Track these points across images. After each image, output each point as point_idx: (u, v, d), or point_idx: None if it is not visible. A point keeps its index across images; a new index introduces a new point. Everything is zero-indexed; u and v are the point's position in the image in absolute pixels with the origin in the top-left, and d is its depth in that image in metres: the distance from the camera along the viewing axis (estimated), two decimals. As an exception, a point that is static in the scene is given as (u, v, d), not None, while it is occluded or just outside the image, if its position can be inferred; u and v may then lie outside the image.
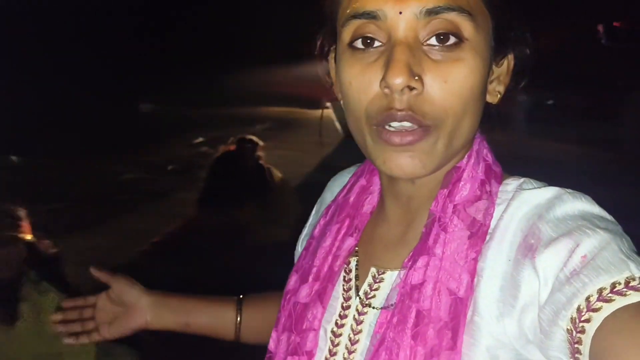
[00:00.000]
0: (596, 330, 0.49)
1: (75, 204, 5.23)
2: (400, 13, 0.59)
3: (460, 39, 0.59)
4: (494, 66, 0.66)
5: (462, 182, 0.65)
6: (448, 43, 0.59)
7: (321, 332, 0.72)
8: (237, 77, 11.25)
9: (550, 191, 0.62)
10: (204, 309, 0.98)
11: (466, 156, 0.67)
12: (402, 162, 0.62)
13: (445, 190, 0.66)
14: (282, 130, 8.91)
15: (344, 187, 0.82)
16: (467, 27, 0.59)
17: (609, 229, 0.56)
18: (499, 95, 0.68)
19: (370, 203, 0.77)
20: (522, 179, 0.66)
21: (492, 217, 0.63)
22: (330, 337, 0.71)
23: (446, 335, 0.59)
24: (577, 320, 0.50)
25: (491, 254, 0.61)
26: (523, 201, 0.62)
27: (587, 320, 0.49)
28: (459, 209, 0.64)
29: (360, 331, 0.69)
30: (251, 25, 12.70)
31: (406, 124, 0.60)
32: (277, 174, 4.88)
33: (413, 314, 0.60)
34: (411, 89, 0.58)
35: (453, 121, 0.61)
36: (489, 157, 0.69)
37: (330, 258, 0.74)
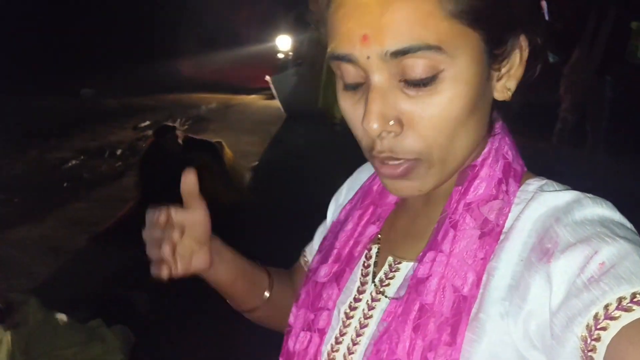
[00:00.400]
0: (612, 339, 0.48)
1: (19, 194, 5.15)
2: (368, 58, 0.57)
3: (434, 74, 0.57)
4: (497, 67, 0.62)
5: (478, 181, 0.65)
6: (420, 83, 0.57)
7: (335, 312, 0.74)
8: (177, 64, 11.36)
9: (570, 194, 0.61)
10: (249, 269, 0.89)
11: (482, 154, 0.66)
12: (399, 187, 0.64)
13: (460, 187, 0.65)
14: (225, 113, 8.88)
15: (372, 174, 0.83)
16: (438, 60, 0.56)
17: (628, 238, 0.54)
18: (509, 92, 0.64)
19: None
20: (545, 181, 0.65)
21: (506, 217, 0.63)
22: (343, 318, 0.73)
23: (446, 330, 0.59)
24: (594, 328, 0.49)
25: (504, 254, 0.61)
26: (541, 202, 0.62)
27: (604, 329, 0.48)
28: (472, 207, 0.63)
29: (370, 316, 0.70)
30: (192, 12, 12.61)
31: (391, 162, 0.61)
32: (227, 150, 4.97)
33: (416, 307, 0.61)
34: (389, 132, 0.59)
35: (440, 150, 0.60)
36: (510, 155, 0.67)
37: (351, 242, 0.76)
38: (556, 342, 0.53)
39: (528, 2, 0.62)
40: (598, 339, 0.48)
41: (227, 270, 0.85)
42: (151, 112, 8.39)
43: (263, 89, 9.49)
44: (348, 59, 0.59)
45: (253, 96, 10.04)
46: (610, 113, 4.77)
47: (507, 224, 0.62)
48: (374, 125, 0.58)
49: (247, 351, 2.96)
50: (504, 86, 0.63)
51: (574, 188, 0.63)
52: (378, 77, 0.58)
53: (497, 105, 0.66)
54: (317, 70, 7.66)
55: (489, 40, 0.59)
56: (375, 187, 0.79)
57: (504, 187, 0.64)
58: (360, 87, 0.61)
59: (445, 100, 0.58)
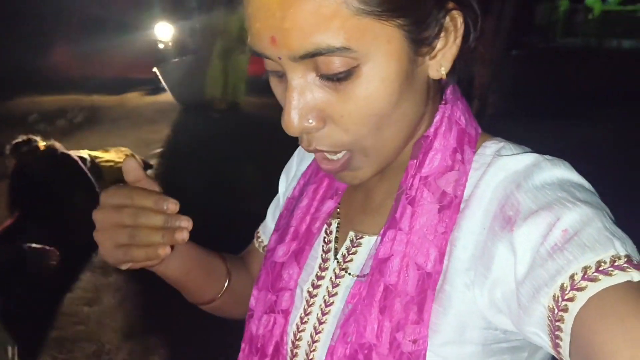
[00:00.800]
0: (580, 310, 0.47)
1: None
2: (280, 58, 0.55)
3: (349, 70, 0.55)
4: (424, 53, 0.59)
5: (432, 152, 0.63)
6: (335, 78, 0.55)
7: (297, 291, 0.72)
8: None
9: (529, 157, 0.60)
10: (203, 257, 0.81)
11: (433, 123, 0.64)
12: (343, 177, 0.64)
13: (415, 161, 0.64)
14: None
15: None
16: (350, 57, 0.54)
17: (589, 201, 0.54)
18: (443, 71, 0.61)
19: None
20: (502, 143, 0.64)
21: (464, 187, 0.61)
22: (306, 297, 0.71)
23: (412, 309, 0.58)
24: (560, 299, 0.49)
25: (465, 223, 0.60)
26: (500, 167, 0.61)
27: (571, 299, 0.48)
28: (429, 181, 0.62)
29: (335, 294, 0.69)
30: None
31: (328, 156, 0.61)
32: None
33: (381, 288, 0.60)
34: (310, 129, 0.58)
35: (369, 141, 0.59)
36: (462, 121, 0.65)
37: (308, 218, 0.74)
38: (523, 312, 0.52)
39: None
40: (565, 310, 0.48)
41: (180, 260, 0.77)
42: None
43: (142, 84, 8.76)
44: (265, 56, 0.58)
45: (134, 93, 9.01)
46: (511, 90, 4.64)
47: (467, 192, 0.62)
48: (293, 126, 0.57)
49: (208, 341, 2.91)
50: (438, 64, 0.60)
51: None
52: (292, 76, 0.57)
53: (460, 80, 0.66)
54: (203, 60, 7.55)
55: (412, 25, 0.56)
56: None
57: (459, 157, 0.63)
58: (284, 79, 0.59)
59: (362, 96, 0.56)
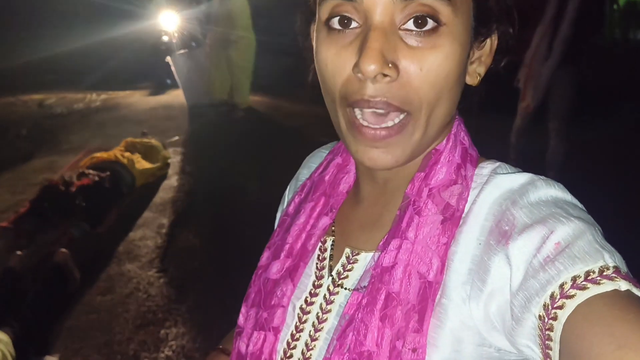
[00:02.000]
0: (568, 317, 0.48)
1: None
2: None
3: (438, 24, 0.58)
4: (474, 48, 0.64)
5: (439, 166, 0.65)
6: (425, 28, 0.58)
7: (289, 308, 0.72)
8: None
9: (524, 177, 0.62)
10: None
11: (445, 139, 0.67)
12: (374, 156, 0.62)
13: (422, 173, 0.65)
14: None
15: (321, 164, 0.81)
16: (444, 11, 0.57)
17: (582, 217, 0.56)
18: (479, 77, 0.65)
19: (346, 182, 0.76)
20: (498, 163, 0.66)
21: (466, 201, 0.63)
22: (298, 314, 0.71)
23: (413, 317, 0.59)
24: (550, 307, 0.50)
25: (462, 238, 0.62)
26: (496, 185, 0.63)
27: (560, 307, 0.49)
28: (433, 193, 0.64)
29: (329, 310, 0.69)
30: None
31: (379, 110, 0.60)
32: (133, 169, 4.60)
33: (383, 296, 0.61)
34: (384, 75, 0.58)
35: (427, 108, 0.60)
36: (466, 141, 0.68)
37: (304, 236, 0.74)
38: (515, 323, 0.53)
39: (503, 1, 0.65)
40: (555, 318, 0.49)
41: None
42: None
43: (143, 82, 8.22)
44: None
45: (128, 92, 8.29)
46: (573, 109, 4.06)
47: (465, 209, 0.63)
48: (372, 66, 0.56)
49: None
50: (475, 70, 0.65)
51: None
52: (382, 18, 0.58)
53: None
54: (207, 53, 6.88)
55: (477, 16, 0.61)
56: (326, 178, 0.77)
57: (463, 172, 0.65)
58: (352, 31, 0.60)
59: (443, 56, 0.58)
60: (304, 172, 0.87)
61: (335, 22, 0.61)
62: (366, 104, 0.60)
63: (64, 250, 3.32)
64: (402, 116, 0.61)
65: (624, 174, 4.38)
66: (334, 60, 0.61)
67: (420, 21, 0.58)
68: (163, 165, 5.04)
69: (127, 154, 4.77)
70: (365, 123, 0.61)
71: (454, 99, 0.63)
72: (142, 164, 4.76)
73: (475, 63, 0.65)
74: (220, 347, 0.91)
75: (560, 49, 3.82)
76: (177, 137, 6.01)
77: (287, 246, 0.75)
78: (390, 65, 0.57)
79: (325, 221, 0.74)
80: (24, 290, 2.99)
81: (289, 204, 0.82)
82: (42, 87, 7.84)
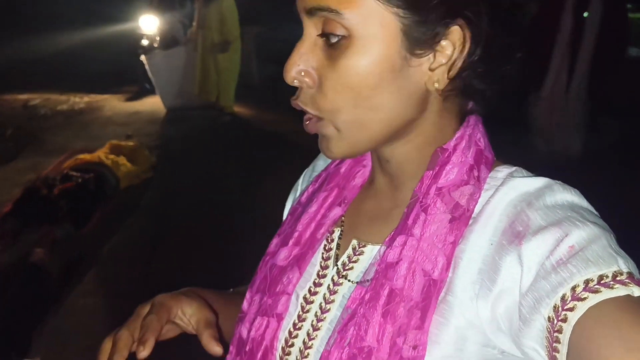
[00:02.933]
0: (579, 320, 0.48)
1: None
2: (299, 11, 0.63)
3: (342, 36, 0.59)
4: (419, 56, 0.60)
5: (449, 166, 0.65)
6: (332, 40, 0.60)
7: (293, 296, 0.72)
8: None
9: (541, 181, 0.61)
10: (226, 310, 0.84)
11: (454, 138, 0.66)
12: (323, 147, 0.67)
13: (432, 172, 0.65)
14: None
15: None
16: (343, 25, 0.59)
17: (597, 223, 0.56)
18: (436, 84, 0.61)
19: (362, 176, 0.77)
20: (514, 167, 0.66)
21: (476, 202, 0.63)
22: (302, 303, 0.72)
23: (415, 314, 0.59)
24: (560, 309, 0.50)
25: (473, 238, 0.61)
26: (511, 187, 0.62)
27: (571, 309, 0.49)
28: (443, 192, 0.64)
29: (332, 301, 0.70)
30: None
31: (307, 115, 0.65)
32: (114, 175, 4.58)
33: (386, 292, 0.61)
34: (304, 83, 0.63)
35: (342, 116, 0.62)
36: (482, 142, 0.67)
37: (313, 225, 0.75)
38: (523, 324, 0.53)
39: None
40: (565, 320, 0.49)
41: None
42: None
43: (128, 85, 7.97)
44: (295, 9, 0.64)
45: (113, 94, 8.00)
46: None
47: (477, 209, 0.63)
48: (287, 73, 0.63)
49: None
50: (437, 77, 0.61)
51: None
52: (305, 30, 0.63)
53: (473, 99, 0.67)
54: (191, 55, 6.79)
55: (407, 22, 0.58)
56: (342, 170, 0.78)
57: (475, 173, 0.64)
58: None
59: (344, 66, 0.60)
60: (320, 163, 0.88)
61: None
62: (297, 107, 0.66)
63: (39, 249, 3.30)
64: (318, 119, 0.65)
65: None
66: None
67: (325, 34, 0.61)
68: (148, 168, 5.02)
69: (111, 156, 4.77)
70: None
71: (382, 107, 0.61)
72: (127, 166, 4.75)
73: (438, 69, 0.61)
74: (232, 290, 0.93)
75: (585, 68, 3.21)
76: (161, 141, 5.99)
77: (296, 234, 0.75)
78: (303, 73, 0.63)
79: (336, 212, 0.75)
80: (1, 291, 2.97)
81: (302, 193, 0.82)
82: (27, 88, 7.78)
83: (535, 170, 0.65)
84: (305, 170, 0.91)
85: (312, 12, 0.61)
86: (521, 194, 0.61)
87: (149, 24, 7.37)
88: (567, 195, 0.59)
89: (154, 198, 4.64)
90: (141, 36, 7.47)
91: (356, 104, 0.61)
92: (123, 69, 7.88)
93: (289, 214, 0.83)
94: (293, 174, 0.93)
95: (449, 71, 0.61)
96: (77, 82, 7.99)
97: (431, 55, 0.61)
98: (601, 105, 3.57)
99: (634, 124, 4.83)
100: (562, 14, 3.35)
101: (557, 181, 0.62)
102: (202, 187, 4.81)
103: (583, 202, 0.60)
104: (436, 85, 0.62)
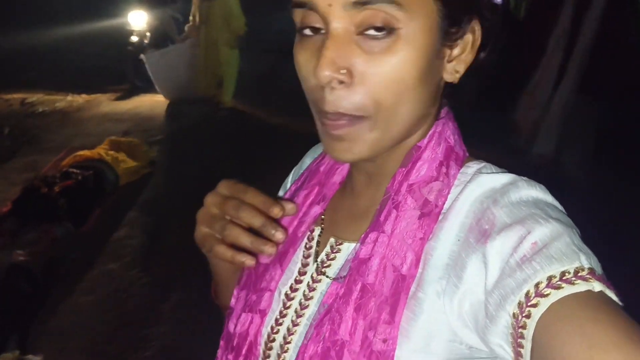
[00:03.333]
0: (542, 316, 0.49)
1: None
2: (330, 5, 0.58)
3: (392, 29, 0.58)
4: (447, 48, 0.64)
5: (420, 162, 0.66)
6: (379, 34, 0.58)
7: (276, 293, 0.74)
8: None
9: (507, 177, 0.63)
10: None
11: (427, 136, 0.68)
12: (335, 148, 0.64)
13: (404, 169, 0.67)
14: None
15: (320, 154, 0.83)
16: (397, 16, 0.58)
17: (560, 219, 0.57)
18: (457, 74, 0.65)
19: (340, 173, 0.78)
20: (483, 164, 0.68)
21: (445, 198, 0.64)
22: (283, 299, 0.73)
23: (385, 309, 0.60)
24: (524, 305, 0.51)
25: (442, 234, 0.63)
26: (478, 184, 0.64)
27: (534, 305, 0.50)
28: (414, 188, 0.65)
29: (311, 297, 0.71)
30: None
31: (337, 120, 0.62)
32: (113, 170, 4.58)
33: (358, 287, 0.62)
34: (340, 82, 0.60)
35: (386, 112, 0.61)
36: (452, 139, 0.68)
37: (295, 223, 0.76)
38: (489, 321, 0.54)
39: None
40: (528, 316, 0.50)
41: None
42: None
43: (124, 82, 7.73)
44: (309, 7, 0.60)
45: (110, 92, 7.75)
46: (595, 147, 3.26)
47: (446, 205, 0.64)
48: (326, 72, 0.59)
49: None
50: (454, 68, 0.65)
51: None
52: (337, 25, 0.59)
53: (446, 91, 0.69)
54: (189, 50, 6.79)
55: (445, 15, 0.61)
56: (322, 168, 0.79)
57: (444, 170, 0.66)
58: (319, 37, 0.62)
59: (397, 61, 0.59)
60: (307, 161, 0.89)
61: (307, 30, 0.63)
62: (325, 115, 0.63)
63: (19, 252, 3.28)
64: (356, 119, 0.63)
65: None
66: (305, 66, 0.63)
67: (373, 27, 0.58)
68: (147, 164, 5.02)
69: (111, 152, 4.76)
70: (329, 121, 0.63)
71: (419, 99, 0.63)
72: (126, 162, 4.75)
73: (454, 61, 0.65)
74: None
75: (577, 67, 2.97)
76: (160, 137, 5.98)
77: None
78: (343, 71, 0.59)
79: (316, 210, 0.76)
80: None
81: (286, 191, 0.84)
82: (23, 86, 7.75)
83: (525, 173, 0.64)
84: (294, 168, 0.92)
85: (362, 3, 0.57)
86: (487, 190, 0.63)
87: (138, 20, 7.23)
88: (531, 191, 0.61)
89: (153, 193, 4.64)
90: (131, 32, 7.37)
91: (401, 97, 0.61)
92: (120, 66, 7.86)
93: None
94: (291, 169, 0.93)
95: (463, 65, 0.65)
96: (74, 80, 7.97)
97: (451, 49, 0.64)
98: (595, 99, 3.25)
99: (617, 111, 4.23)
100: (561, 7, 3.19)
101: (522, 177, 0.63)
102: (200, 182, 4.79)
103: (548, 198, 0.61)
104: (457, 76, 0.65)
